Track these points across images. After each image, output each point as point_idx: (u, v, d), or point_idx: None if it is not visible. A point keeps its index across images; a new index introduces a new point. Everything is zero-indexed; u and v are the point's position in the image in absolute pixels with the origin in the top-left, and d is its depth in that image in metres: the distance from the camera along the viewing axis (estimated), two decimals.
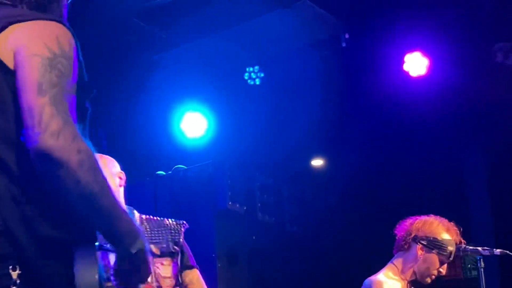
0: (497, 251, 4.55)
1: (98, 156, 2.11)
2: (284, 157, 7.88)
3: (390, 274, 4.52)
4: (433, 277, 4.53)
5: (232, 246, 7.34)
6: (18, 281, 2.04)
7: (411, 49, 6.89)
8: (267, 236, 7.75)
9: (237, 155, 7.42)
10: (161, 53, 7.08)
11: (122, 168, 3.90)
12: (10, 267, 2.05)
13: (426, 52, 6.86)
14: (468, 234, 7.59)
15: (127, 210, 2.21)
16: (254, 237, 7.61)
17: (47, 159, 2.00)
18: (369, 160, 8.13)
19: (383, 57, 6.98)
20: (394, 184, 8.16)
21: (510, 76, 6.98)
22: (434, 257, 4.49)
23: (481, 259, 4.52)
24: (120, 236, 2.15)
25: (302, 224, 8.18)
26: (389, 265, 4.56)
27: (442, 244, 4.48)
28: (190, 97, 7.33)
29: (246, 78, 7.26)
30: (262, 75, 7.24)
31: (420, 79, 6.94)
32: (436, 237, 4.49)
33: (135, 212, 3.98)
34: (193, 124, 7.30)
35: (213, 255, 7.07)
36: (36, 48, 2.09)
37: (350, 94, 7.38)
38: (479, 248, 4.55)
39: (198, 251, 7.10)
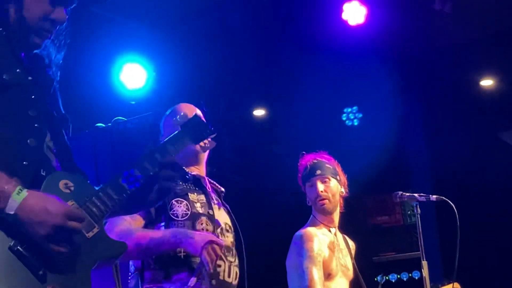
0: (433, 197, 4.66)
1: None
2: (225, 106, 7.87)
3: (315, 225, 4.68)
4: (321, 197, 4.64)
5: None
6: None
7: None
8: None
9: None
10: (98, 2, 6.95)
11: None
12: None
13: (364, 0, 6.84)
14: (407, 182, 7.78)
15: None
16: None
17: None
18: (310, 108, 8.18)
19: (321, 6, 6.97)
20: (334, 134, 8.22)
21: (448, 23, 7.05)
22: (307, 187, 4.74)
23: (418, 205, 4.62)
24: None
25: (244, 173, 8.21)
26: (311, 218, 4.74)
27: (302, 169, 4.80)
28: (129, 48, 7.23)
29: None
30: None
31: (358, 27, 6.93)
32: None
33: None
34: (133, 75, 7.22)
35: None
36: None
37: (290, 44, 7.36)
38: (416, 195, 4.66)
39: None
